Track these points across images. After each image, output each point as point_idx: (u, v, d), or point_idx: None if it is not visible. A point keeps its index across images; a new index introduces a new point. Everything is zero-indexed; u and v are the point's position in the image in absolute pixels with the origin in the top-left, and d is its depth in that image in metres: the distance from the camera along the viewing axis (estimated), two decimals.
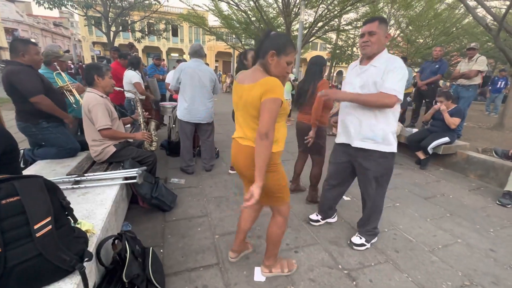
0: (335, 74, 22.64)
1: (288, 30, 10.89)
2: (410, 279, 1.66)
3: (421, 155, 3.67)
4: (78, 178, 1.84)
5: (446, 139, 3.49)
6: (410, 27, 14.42)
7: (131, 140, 2.38)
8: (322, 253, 1.88)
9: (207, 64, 3.12)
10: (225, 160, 3.65)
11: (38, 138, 2.26)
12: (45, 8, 11.44)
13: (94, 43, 26.93)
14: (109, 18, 14.62)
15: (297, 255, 1.84)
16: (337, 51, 16.37)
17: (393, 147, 1.71)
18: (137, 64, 3.90)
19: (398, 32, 15.09)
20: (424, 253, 1.92)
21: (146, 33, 17.89)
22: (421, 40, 14.99)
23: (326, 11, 10.66)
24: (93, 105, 2.01)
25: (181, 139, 3.12)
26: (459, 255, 1.92)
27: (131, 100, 3.98)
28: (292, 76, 6.39)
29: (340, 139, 1.91)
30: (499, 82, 8.01)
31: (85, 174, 1.91)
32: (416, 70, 7.77)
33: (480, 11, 6.04)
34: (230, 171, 3.22)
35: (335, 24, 13.40)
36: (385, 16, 14.13)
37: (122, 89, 2.96)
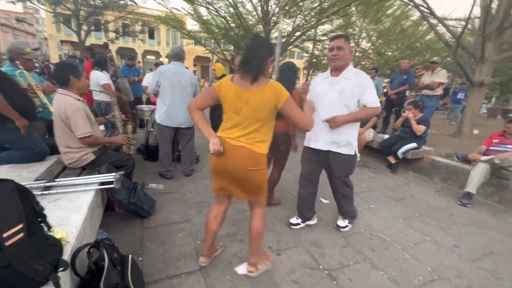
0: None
1: (267, 38, 11.13)
2: (386, 276, 1.76)
3: (392, 160, 3.92)
4: (49, 184, 1.72)
5: (414, 144, 3.76)
6: (380, 41, 15.44)
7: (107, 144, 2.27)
8: (304, 255, 1.92)
9: (187, 68, 3.09)
10: (205, 165, 3.60)
11: (2, 140, 2.07)
12: (7, 1, 10.59)
13: (62, 41, 25.36)
14: (80, 17, 13.89)
15: (280, 258, 1.86)
16: (314, 60, 17.00)
17: (351, 151, 2.00)
18: (104, 64, 3.59)
19: (369, 44, 16.07)
20: (398, 251, 2.04)
21: (121, 33, 17.26)
22: (390, 53, 16.10)
23: (303, 21, 11.07)
24: (72, 111, 1.87)
25: (159, 144, 3.03)
26: (428, 252, 2.07)
27: (101, 104, 3.68)
28: None
29: (309, 144, 2.11)
30: (459, 94, 8.81)
31: (56, 180, 1.79)
32: (386, 80, 8.32)
33: (441, 29, 6.68)
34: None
35: (312, 34, 13.96)
36: (357, 29, 15.03)
37: (97, 90, 2.80)
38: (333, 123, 1.88)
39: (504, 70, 13.70)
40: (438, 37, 5.74)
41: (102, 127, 3.49)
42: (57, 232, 1.20)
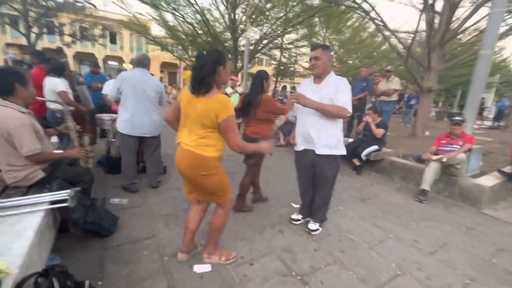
0: (280, 89, 24.07)
1: (235, 45, 11.22)
2: (355, 276, 1.82)
3: (356, 162, 4.14)
4: None
5: (375, 147, 4.03)
6: (341, 50, 16.47)
7: None
8: (276, 262, 1.91)
9: (152, 74, 2.96)
10: (173, 176, 3.45)
11: None
12: None
13: (8, 44, 22.88)
14: (30, 18, 12.69)
15: (253, 267, 1.82)
16: (281, 68, 17.52)
17: (343, 151, 2.15)
18: (60, 70, 3.32)
19: (332, 53, 17.05)
20: (365, 250, 2.13)
21: (78, 37, 16.10)
22: (351, 62, 17.25)
23: (270, 30, 11.37)
24: (15, 127, 1.64)
25: (122, 154, 2.84)
26: (392, 248, 2.19)
27: (55, 112, 3.38)
28: (240, 89, 6.54)
29: (300, 147, 2.23)
30: (412, 100, 9.69)
31: None
32: None
33: (393, 40, 7.35)
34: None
35: (279, 42, 14.40)
36: (320, 38, 15.84)
37: (46, 100, 2.55)
38: (300, 99, 1.96)
39: (447, 77, 15.46)
40: (391, 47, 6.27)
41: (55, 139, 3.18)
42: None
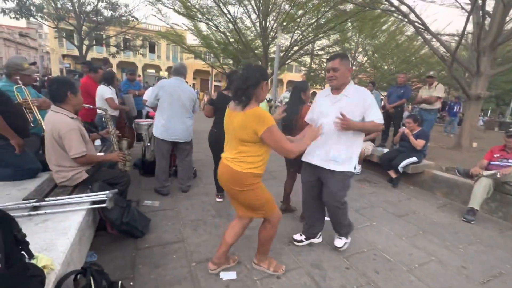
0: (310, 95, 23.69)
1: (266, 52, 11.33)
2: None
3: (392, 174, 3.86)
4: (37, 204, 1.65)
5: (414, 159, 3.72)
6: (376, 55, 15.76)
7: None
8: (304, 277, 1.82)
9: (187, 82, 3.09)
10: (203, 181, 3.52)
11: None
12: (11, 17, 10.80)
13: (64, 55, 25.73)
14: (83, 32, 14.17)
15: (279, 281, 1.76)
16: (312, 74, 17.25)
17: (350, 167, 1.92)
18: (111, 80, 3.77)
19: (365, 58, 16.39)
20: (403, 273, 1.95)
21: (122, 48, 17.56)
22: (386, 67, 16.40)
23: (301, 36, 11.31)
24: (66, 131, 1.82)
25: (156, 158, 2.98)
26: (435, 273, 1.97)
27: (103, 117, 3.75)
28: (268, 96, 6.53)
29: (307, 158, 2.05)
30: (455, 107, 8.89)
31: (46, 199, 1.72)
32: (383, 93, 8.40)
33: (435, 43, 6.83)
34: (218, 199, 2.95)
35: (309, 49, 14.24)
36: (353, 44, 15.37)
37: (91, 107, 2.80)
38: (343, 124, 1.78)
39: (498, 83, 13.95)
40: (433, 52, 5.83)
41: (98, 142, 3.44)
42: (41, 259, 1.12)
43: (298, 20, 10.63)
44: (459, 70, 9.42)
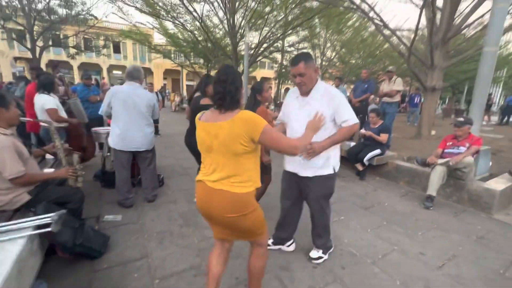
0: (283, 91, 23.96)
1: (235, 50, 11.21)
2: None
3: (359, 167, 4.00)
4: None
5: (378, 151, 3.89)
6: (343, 50, 16.32)
7: None
8: (273, 282, 1.81)
9: (151, 84, 2.92)
10: (171, 188, 3.38)
11: None
12: None
13: (16, 58, 23.46)
14: (35, 32, 12.97)
15: None
16: (283, 71, 17.43)
17: (329, 169, 1.83)
18: (50, 86, 3.19)
19: (334, 53, 16.91)
20: (367, 266, 2.01)
21: (82, 49, 16.40)
22: (353, 61, 17.06)
23: (269, 33, 11.33)
24: None
25: (116, 170, 2.79)
26: (396, 262, 2.07)
27: (48, 129, 3.31)
28: None
29: (288, 167, 1.96)
30: (415, 98, 9.47)
31: None
32: (352, 86, 8.72)
33: (395, 39, 7.20)
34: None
35: (279, 45, 14.35)
36: (322, 39, 15.77)
37: (31, 120, 2.53)
38: (311, 154, 1.68)
39: (453, 73, 15.13)
40: (392, 47, 6.13)
41: (51, 156, 3.15)
42: None
43: (266, 17, 10.65)
44: (418, 64, 10.06)
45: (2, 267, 1.27)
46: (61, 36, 15.74)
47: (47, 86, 3.13)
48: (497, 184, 3.11)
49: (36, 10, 12.73)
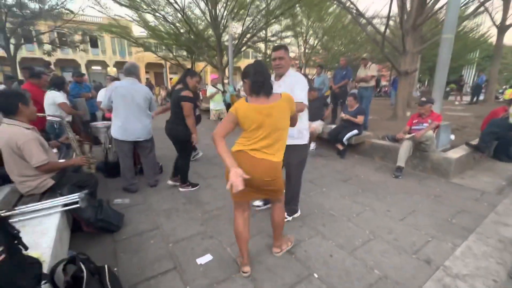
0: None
1: (219, 41, 11.29)
2: (334, 243, 2.13)
3: (339, 147, 4.45)
4: (8, 213, 1.73)
5: (355, 131, 4.33)
6: (325, 37, 16.65)
7: None
8: (266, 239, 2.19)
9: (148, 81, 3.17)
10: (170, 175, 3.68)
11: None
12: None
13: None
14: (7, 29, 12.43)
15: None
16: (267, 60, 17.60)
17: (305, 140, 2.28)
18: (61, 85, 3.65)
19: (316, 41, 17.22)
20: (344, 222, 2.45)
21: (58, 45, 15.83)
22: (336, 48, 17.46)
23: (252, 23, 11.47)
24: (24, 142, 1.87)
25: (120, 158, 3.06)
26: (367, 218, 2.51)
27: (54, 124, 3.60)
28: (219, 86, 6.55)
29: None
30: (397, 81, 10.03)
31: (16, 208, 1.80)
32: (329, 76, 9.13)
33: (370, 27, 7.61)
34: (170, 182, 3.28)
35: (263, 35, 14.49)
36: (304, 27, 16.01)
37: (46, 115, 2.76)
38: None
39: (429, 57, 15.88)
40: (367, 34, 6.52)
41: (54, 150, 3.37)
42: (31, 255, 1.28)
43: (248, 7, 10.75)
44: (393, 50, 10.58)
45: (49, 233, 1.57)
46: (34, 33, 15.10)
47: (58, 85, 3.59)
48: (454, 154, 3.63)
49: (6, 5, 12.16)
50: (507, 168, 3.91)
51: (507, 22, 10.33)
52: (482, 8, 8.80)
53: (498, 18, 10.53)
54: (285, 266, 1.85)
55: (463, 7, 7.15)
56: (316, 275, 1.77)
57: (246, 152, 1.54)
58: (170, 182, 3.27)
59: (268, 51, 16.97)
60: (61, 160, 2.43)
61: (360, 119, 4.34)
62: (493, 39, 13.41)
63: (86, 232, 2.16)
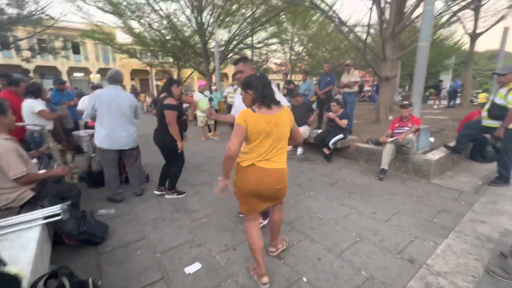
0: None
1: (205, 48, 11.33)
2: (322, 247, 2.16)
3: (326, 151, 4.54)
4: None
5: (341, 135, 4.45)
6: (310, 44, 17.07)
7: None
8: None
9: (134, 88, 3.13)
10: (156, 183, 3.61)
11: None
12: None
13: None
14: None
15: (235, 252, 2.10)
16: (254, 66, 17.76)
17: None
18: (38, 92, 3.49)
19: (302, 48, 17.61)
20: (331, 226, 2.49)
21: (38, 51, 15.30)
22: (321, 54, 17.92)
23: (238, 31, 11.59)
24: (1, 153, 1.80)
25: (104, 167, 2.99)
26: (354, 221, 2.57)
27: (33, 132, 3.47)
28: (207, 93, 6.60)
29: None
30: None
31: None
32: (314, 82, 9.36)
33: (353, 35, 7.90)
34: (156, 192, 3.22)
35: (249, 42, 14.65)
36: (289, 34, 16.34)
37: (25, 124, 2.66)
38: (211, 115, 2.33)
39: (409, 63, 16.60)
40: (350, 43, 6.75)
41: (34, 160, 3.24)
42: (10, 270, 1.23)
43: (234, 14, 10.88)
44: (375, 56, 10.99)
45: (29, 247, 1.51)
46: (11, 39, 14.53)
47: (35, 92, 3.44)
48: (434, 155, 3.80)
49: None
50: (483, 168, 4.13)
51: (478, 31, 11.01)
52: (455, 18, 9.37)
53: (470, 26, 11.23)
54: (274, 271, 1.86)
55: (438, 17, 7.55)
56: (305, 279, 1.79)
57: (256, 165, 1.57)
58: (156, 192, 3.21)
59: (255, 58, 17.19)
60: (41, 171, 2.34)
61: (344, 122, 4.45)
62: (466, 46, 14.22)
63: (68, 245, 2.09)
